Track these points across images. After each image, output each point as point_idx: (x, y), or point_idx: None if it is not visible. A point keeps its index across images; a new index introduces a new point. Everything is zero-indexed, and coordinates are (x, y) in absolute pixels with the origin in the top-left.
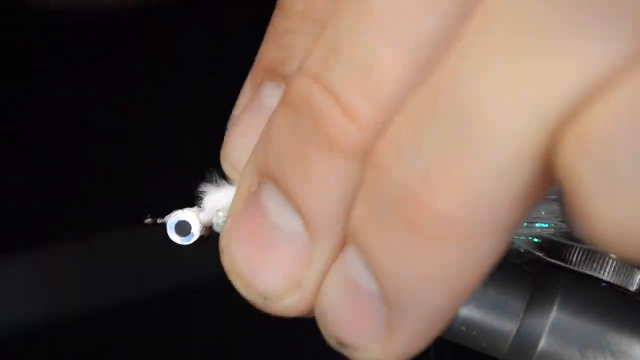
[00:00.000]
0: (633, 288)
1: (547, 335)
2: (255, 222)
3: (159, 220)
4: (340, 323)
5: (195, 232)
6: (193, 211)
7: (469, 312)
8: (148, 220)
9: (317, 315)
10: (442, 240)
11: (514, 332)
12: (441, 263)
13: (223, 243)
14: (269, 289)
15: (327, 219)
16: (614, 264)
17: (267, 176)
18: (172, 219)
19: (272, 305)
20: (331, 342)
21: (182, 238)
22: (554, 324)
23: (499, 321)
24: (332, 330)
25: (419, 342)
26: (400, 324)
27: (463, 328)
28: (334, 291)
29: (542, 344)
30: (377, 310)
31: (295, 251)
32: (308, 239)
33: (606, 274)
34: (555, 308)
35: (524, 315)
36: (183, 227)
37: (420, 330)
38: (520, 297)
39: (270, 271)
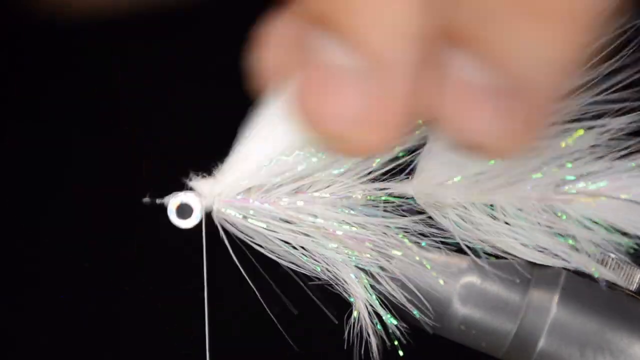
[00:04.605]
0: (633, 288)
1: (547, 334)
2: (319, 73)
3: (158, 201)
4: (463, 122)
5: (197, 216)
6: (194, 194)
7: (468, 311)
8: (146, 200)
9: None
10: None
11: (514, 331)
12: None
13: (298, 104)
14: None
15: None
16: (613, 264)
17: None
18: (173, 201)
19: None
20: (461, 147)
21: (183, 221)
22: (553, 324)
23: (498, 321)
24: (460, 134)
25: (533, 129)
26: (520, 110)
27: (463, 327)
28: (451, 100)
29: (541, 343)
30: (496, 105)
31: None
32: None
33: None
34: (554, 308)
35: (523, 315)
36: (184, 210)
37: (536, 116)
38: (519, 297)
39: (343, 110)
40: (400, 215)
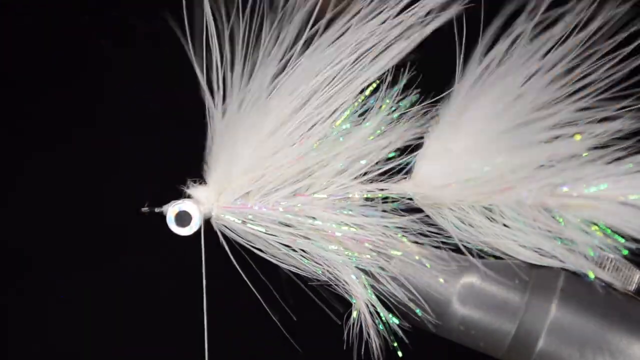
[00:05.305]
0: (631, 289)
1: (546, 335)
2: None
3: (157, 210)
4: None
5: (196, 223)
6: (193, 201)
7: (467, 311)
8: (145, 209)
9: None
10: None
11: (513, 331)
12: None
13: None
14: None
15: None
16: (612, 265)
17: None
18: (172, 209)
19: None
20: None
21: (182, 229)
22: (553, 324)
23: (497, 321)
24: None
25: None
26: None
27: (462, 327)
28: None
29: (541, 343)
30: None
31: None
32: None
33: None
34: (554, 308)
35: (522, 315)
36: (183, 218)
37: None
38: (519, 297)
39: None
40: (399, 215)
